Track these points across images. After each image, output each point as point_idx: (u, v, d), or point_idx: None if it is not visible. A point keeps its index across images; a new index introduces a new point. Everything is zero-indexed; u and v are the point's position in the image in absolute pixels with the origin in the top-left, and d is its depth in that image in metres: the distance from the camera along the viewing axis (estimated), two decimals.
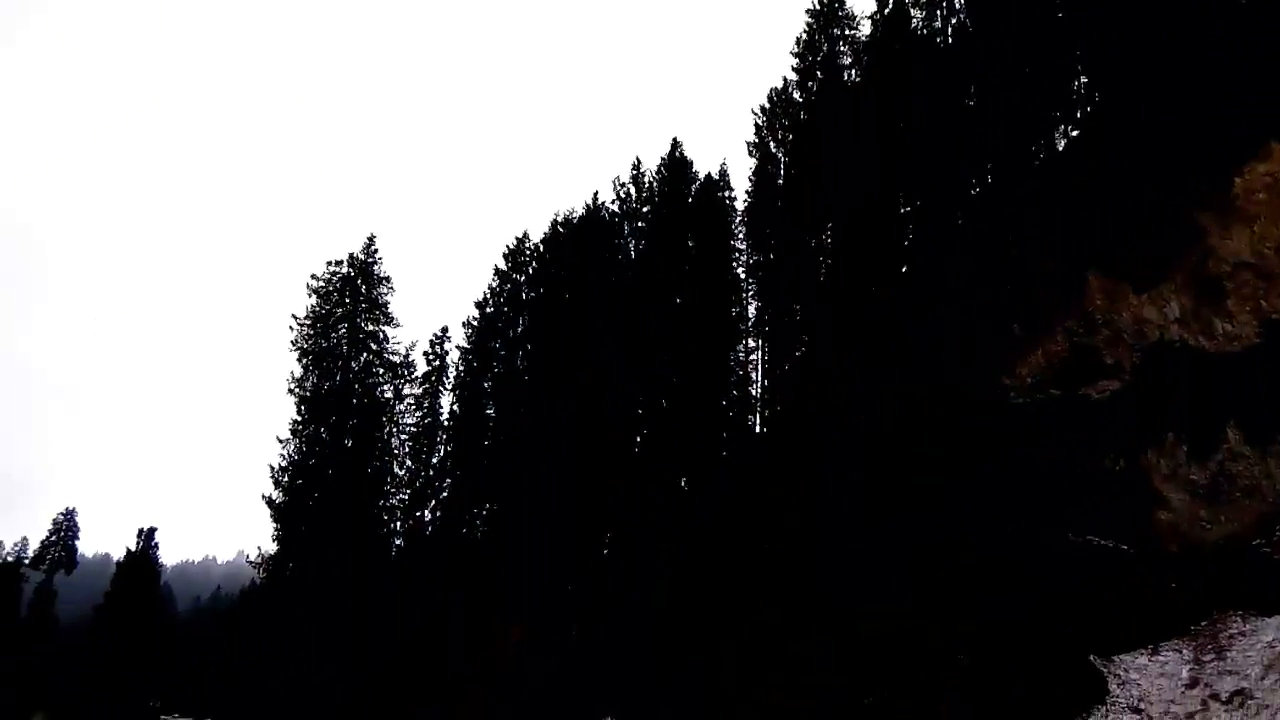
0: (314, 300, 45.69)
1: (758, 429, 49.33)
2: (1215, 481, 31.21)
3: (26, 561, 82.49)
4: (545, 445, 46.08)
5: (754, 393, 52.24)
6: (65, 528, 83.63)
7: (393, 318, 46.96)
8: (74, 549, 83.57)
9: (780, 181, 53.90)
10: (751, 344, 53.63)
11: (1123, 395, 34.16)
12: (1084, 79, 41.19)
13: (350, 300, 46.13)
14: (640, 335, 47.37)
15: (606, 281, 50.58)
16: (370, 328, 46.62)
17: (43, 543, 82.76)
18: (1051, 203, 36.35)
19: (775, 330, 50.64)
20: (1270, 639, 24.71)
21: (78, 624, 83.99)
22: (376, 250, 47.49)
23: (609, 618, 39.27)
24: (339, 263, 46.18)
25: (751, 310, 54.30)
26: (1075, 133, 41.50)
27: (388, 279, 47.44)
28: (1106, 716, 24.45)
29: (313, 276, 45.81)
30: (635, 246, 57.25)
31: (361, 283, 46.62)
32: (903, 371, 37.40)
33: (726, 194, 56.38)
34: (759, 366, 53.07)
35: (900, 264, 40.02)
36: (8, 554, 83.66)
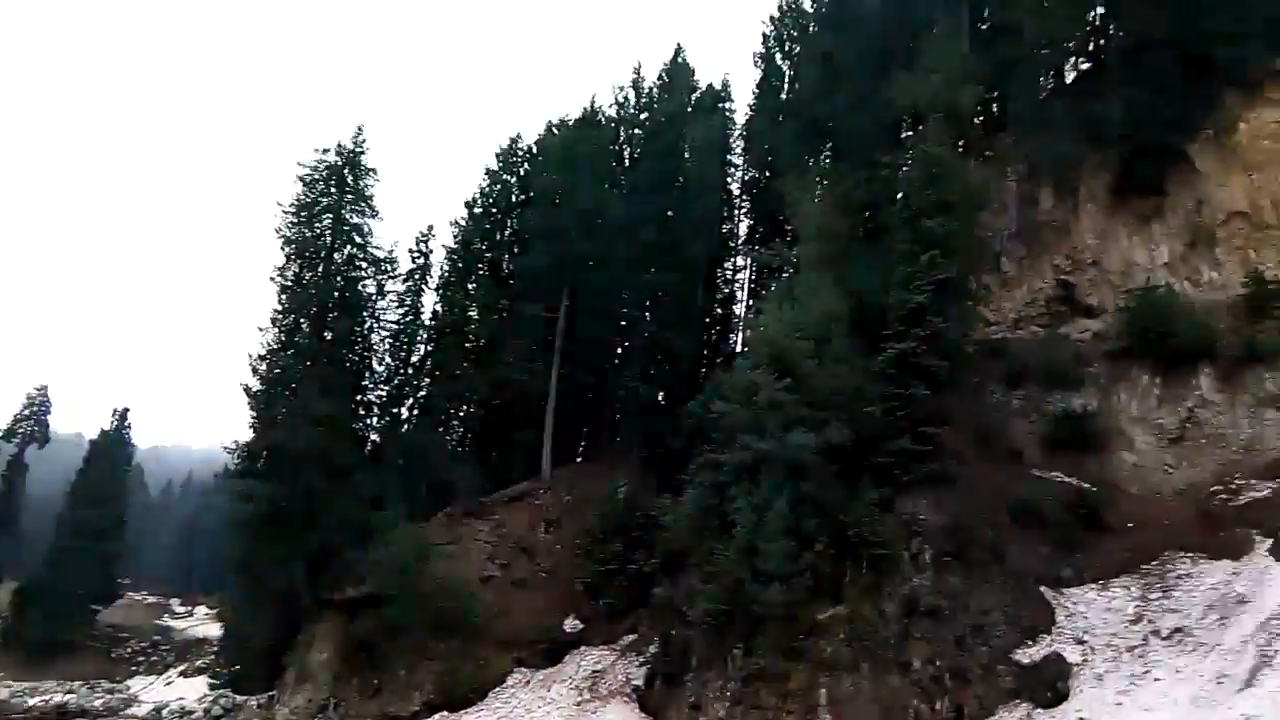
0: (300, 188, 44.81)
1: (738, 349, 49.32)
2: (1183, 427, 31.57)
3: None
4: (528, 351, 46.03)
5: (737, 311, 52.09)
6: (38, 403, 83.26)
7: (377, 211, 46.12)
8: (46, 424, 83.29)
9: (784, 96, 52.70)
10: (740, 262, 53.22)
11: (1105, 335, 34.24)
12: (1101, 9, 40.00)
13: (336, 190, 45.12)
14: (631, 243, 46.82)
15: (599, 188, 49.71)
16: (355, 220, 45.70)
17: (15, 416, 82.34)
18: (1052, 136, 35.71)
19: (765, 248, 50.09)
20: (1214, 581, 25.33)
21: (49, 498, 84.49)
22: (364, 141, 46.31)
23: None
24: (326, 151, 45.17)
25: (743, 228, 53.72)
26: (1086, 65, 40.52)
27: (374, 170, 46.35)
28: (1051, 645, 25.16)
29: (300, 164, 44.80)
30: (631, 154, 56.24)
31: (349, 173, 45.58)
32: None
33: (727, 105, 55.13)
34: (745, 286, 52.80)
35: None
36: None
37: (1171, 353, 31.82)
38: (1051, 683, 23.93)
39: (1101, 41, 40.28)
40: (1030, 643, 25.48)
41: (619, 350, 50.51)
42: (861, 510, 26.68)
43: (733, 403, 29.06)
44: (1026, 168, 37.00)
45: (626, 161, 56.12)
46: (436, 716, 34.39)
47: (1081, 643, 25.13)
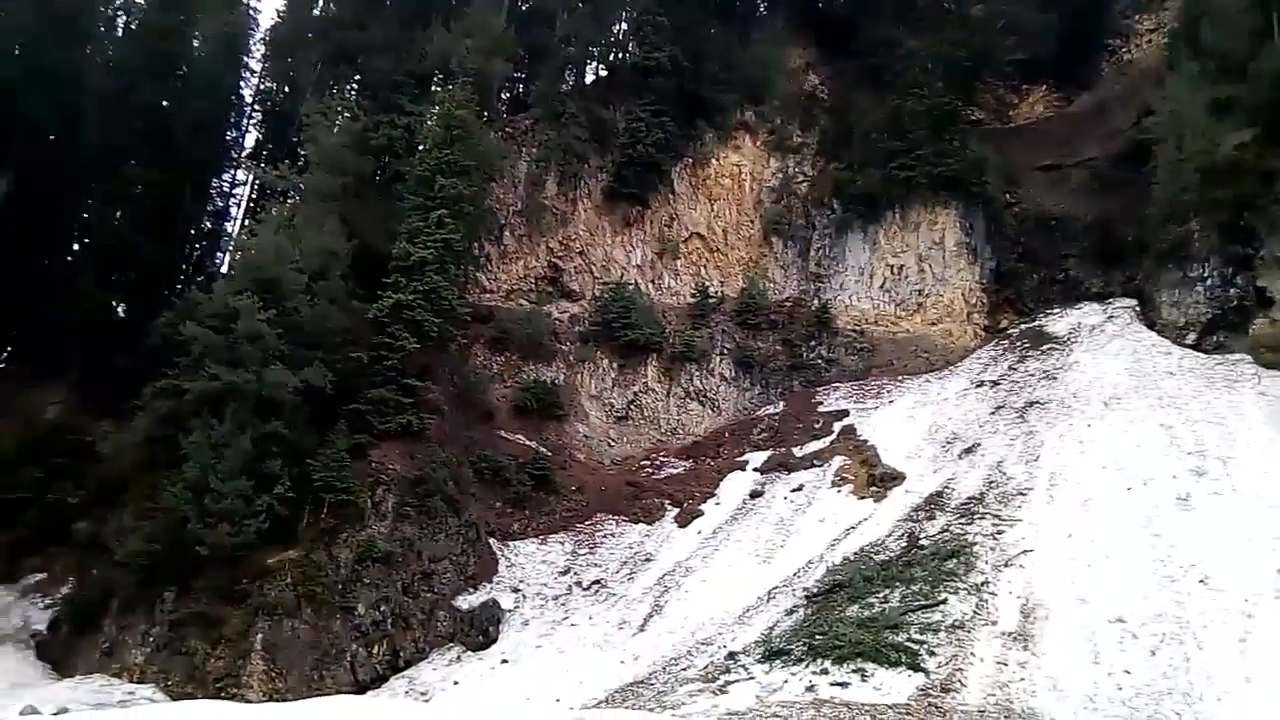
0: None
1: (223, 270, 45.08)
2: (629, 408, 36.24)
3: None
4: None
5: (229, 229, 47.66)
6: None
7: None
8: None
9: (317, 12, 49.38)
10: (241, 176, 48.76)
11: (580, 319, 37.82)
12: (624, 25, 44.18)
13: None
14: (110, 127, 40.10)
15: (73, 49, 41.67)
16: None
17: None
18: (565, 128, 38.60)
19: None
20: (631, 541, 29.50)
21: None
22: None
23: None
24: None
25: (250, 140, 49.31)
26: (605, 72, 44.41)
27: None
28: (490, 593, 27.12)
29: None
30: (127, 24, 48.15)
31: None
32: None
33: (251, 3, 49.97)
34: (243, 203, 48.55)
35: None
36: None
37: (630, 343, 36.31)
38: (484, 627, 25.85)
39: (621, 55, 44.47)
40: (472, 590, 27.25)
41: (75, 246, 43.04)
42: (332, 456, 26.12)
43: (206, 327, 26.49)
44: (539, 151, 39.36)
45: (120, 31, 47.97)
46: None
47: (516, 591, 27.53)
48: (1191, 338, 29.98)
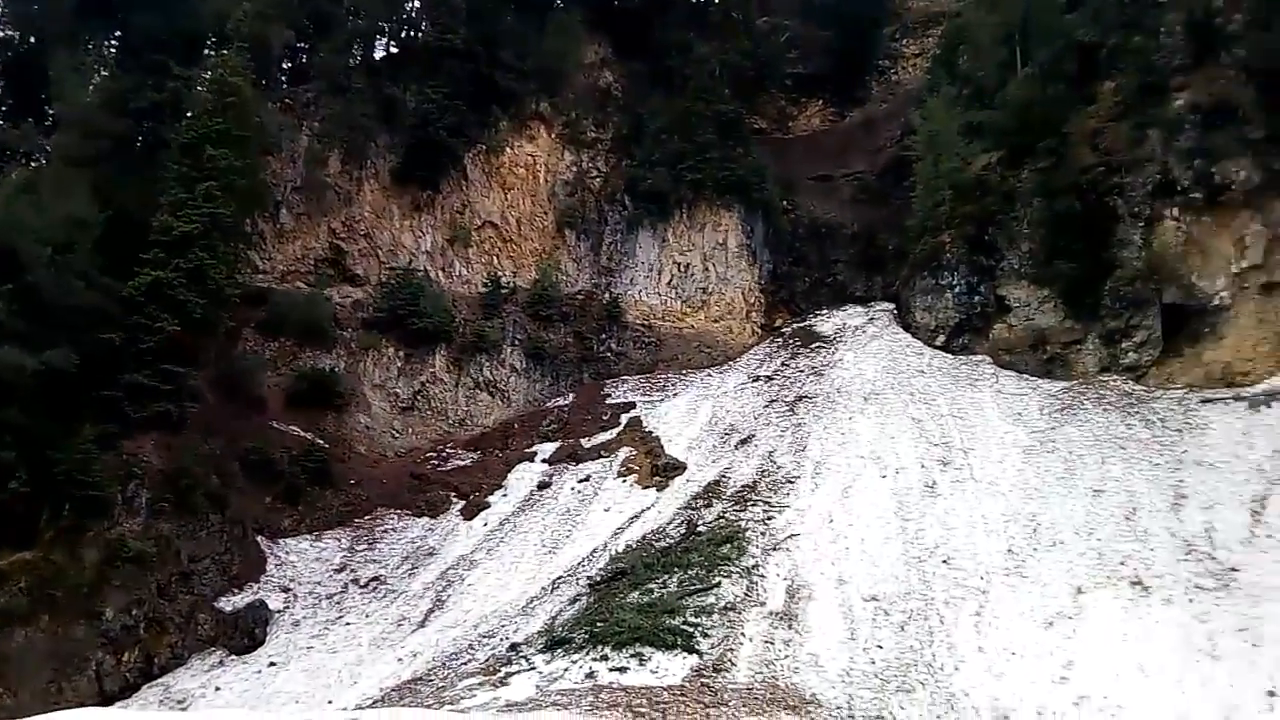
0: None
1: None
2: (414, 399, 35.20)
3: None
4: None
5: None
6: None
7: None
8: None
9: None
10: None
11: (364, 305, 36.29)
12: (416, 2, 42.85)
13: None
14: None
15: None
16: None
17: None
18: (351, 105, 37.00)
19: None
20: (413, 535, 28.74)
21: None
22: None
23: None
24: None
25: None
26: (396, 49, 42.85)
27: None
28: (257, 593, 25.58)
29: None
30: None
31: None
32: None
33: None
34: None
35: None
36: None
37: (418, 331, 35.26)
38: (250, 629, 24.33)
39: (414, 34, 43.10)
40: (236, 591, 25.59)
41: None
42: (76, 446, 23.60)
43: None
44: (321, 126, 37.42)
45: None
46: None
47: (287, 590, 26.11)
48: (941, 340, 32.90)
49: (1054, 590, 20.16)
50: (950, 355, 31.97)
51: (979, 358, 31.24)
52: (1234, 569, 19.52)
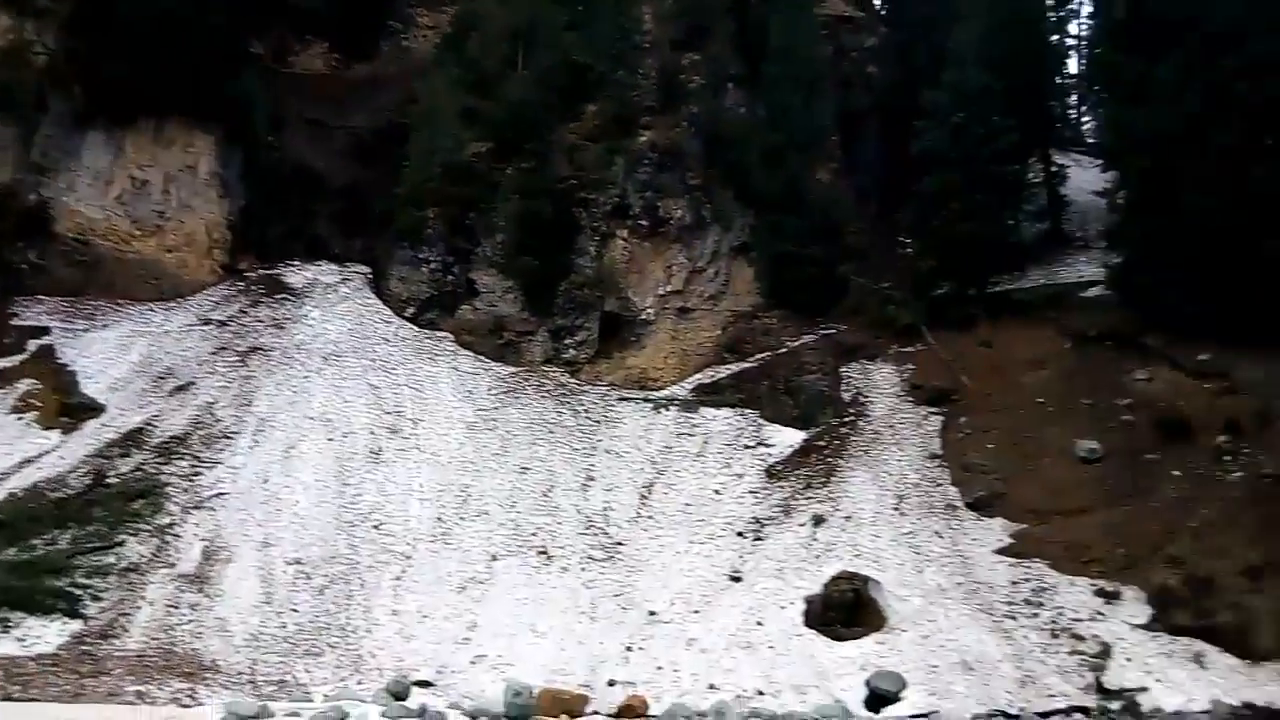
0: None
1: None
2: None
3: None
4: None
5: None
6: None
7: None
8: None
9: None
10: None
11: None
12: None
13: None
14: None
15: None
16: None
17: None
18: None
19: None
20: None
21: None
22: None
23: None
24: None
25: None
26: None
27: None
28: None
29: None
30: None
31: None
32: None
33: None
34: None
35: None
36: None
37: None
38: None
39: None
40: None
41: None
42: None
43: None
44: None
45: None
46: None
47: None
48: (411, 312, 33.33)
49: (472, 557, 21.73)
50: (417, 328, 32.56)
51: (443, 334, 32.31)
52: (620, 543, 22.88)
